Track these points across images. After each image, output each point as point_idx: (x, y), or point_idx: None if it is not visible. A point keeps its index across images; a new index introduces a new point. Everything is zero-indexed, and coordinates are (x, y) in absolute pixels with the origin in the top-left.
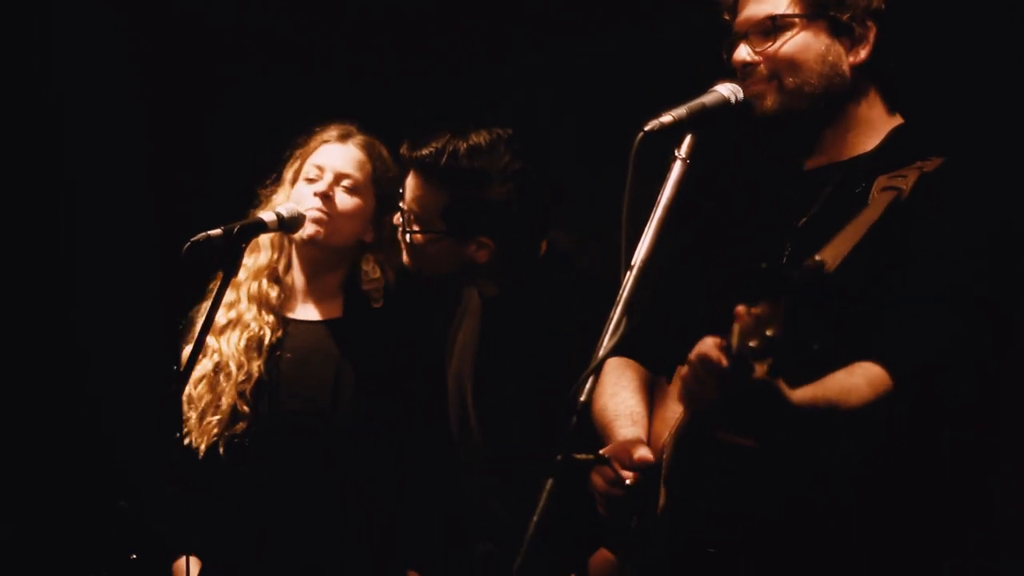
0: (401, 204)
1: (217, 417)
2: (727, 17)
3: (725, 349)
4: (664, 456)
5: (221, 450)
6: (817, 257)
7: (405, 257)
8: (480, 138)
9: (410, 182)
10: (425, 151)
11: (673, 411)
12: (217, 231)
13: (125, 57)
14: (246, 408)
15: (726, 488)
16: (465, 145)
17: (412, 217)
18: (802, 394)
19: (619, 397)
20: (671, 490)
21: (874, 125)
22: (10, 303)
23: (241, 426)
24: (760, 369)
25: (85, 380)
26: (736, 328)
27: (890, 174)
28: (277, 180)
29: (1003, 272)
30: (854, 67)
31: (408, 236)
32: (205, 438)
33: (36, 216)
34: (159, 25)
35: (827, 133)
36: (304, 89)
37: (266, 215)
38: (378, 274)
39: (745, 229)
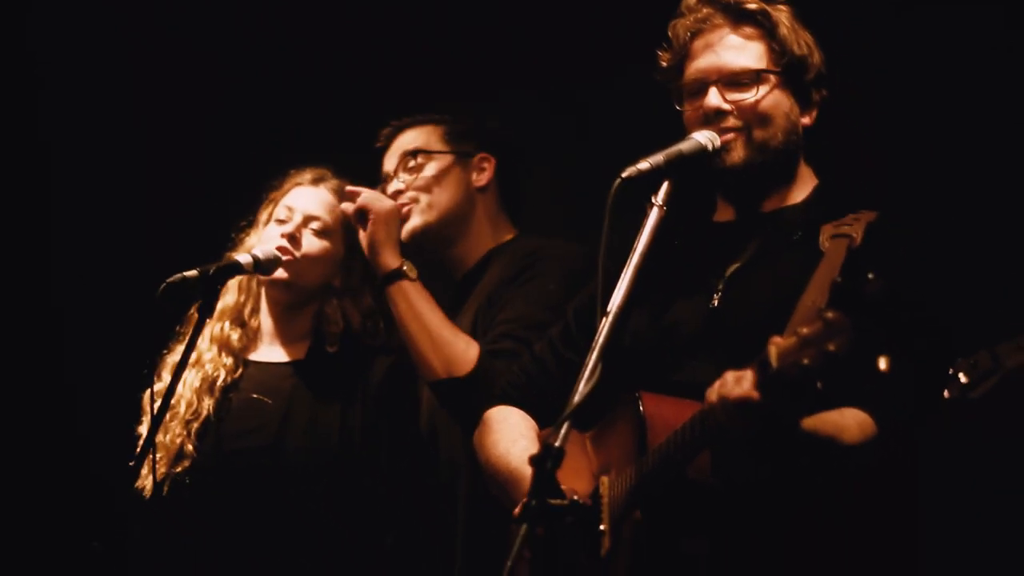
0: (394, 163)
1: (161, 455)
2: (667, 62)
3: (762, 376)
4: (608, 502)
5: (166, 489)
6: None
7: (409, 224)
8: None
9: (404, 137)
10: (411, 116)
11: (569, 461)
12: (193, 272)
13: (112, 91)
14: (190, 447)
15: (699, 527)
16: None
17: (416, 156)
18: (807, 423)
19: (519, 445)
20: (620, 534)
21: (804, 181)
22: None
23: (185, 464)
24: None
25: (67, 417)
26: (775, 350)
27: (834, 223)
28: (251, 223)
29: (951, 318)
30: (804, 128)
31: (414, 175)
32: (151, 477)
33: (17, 256)
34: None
35: (766, 185)
36: (295, 124)
37: (242, 257)
38: (339, 318)
39: (664, 280)
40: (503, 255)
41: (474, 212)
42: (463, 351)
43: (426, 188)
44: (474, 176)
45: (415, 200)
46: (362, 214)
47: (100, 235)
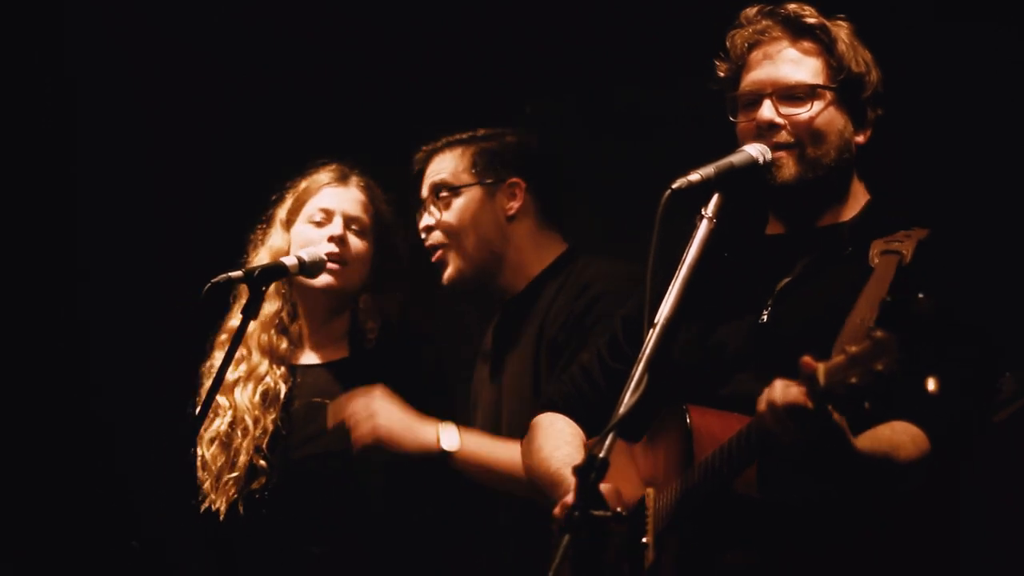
0: (426, 193)
1: (235, 475)
2: (723, 72)
3: (813, 389)
4: (652, 514)
5: (241, 508)
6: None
7: (446, 273)
8: (484, 125)
9: (434, 164)
10: (440, 138)
11: (616, 471)
12: (238, 273)
13: (143, 99)
14: (263, 463)
15: (743, 542)
16: (474, 128)
17: (443, 188)
18: (862, 442)
19: (563, 451)
20: (664, 546)
21: (856, 197)
22: (34, 353)
23: (260, 481)
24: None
25: (100, 420)
26: (823, 368)
27: (885, 239)
28: (268, 222)
29: (1001, 336)
30: (858, 146)
31: (442, 212)
32: (224, 498)
33: (51, 265)
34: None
35: (818, 202)
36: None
37: (288, 260)
38: (376, 315)
39: (714, 293)
40: (555, 281)
41: (510, 243)
42: None
43: (456, 228)
44: (506, 204)
45: (445, 243)
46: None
47: (130, 239)
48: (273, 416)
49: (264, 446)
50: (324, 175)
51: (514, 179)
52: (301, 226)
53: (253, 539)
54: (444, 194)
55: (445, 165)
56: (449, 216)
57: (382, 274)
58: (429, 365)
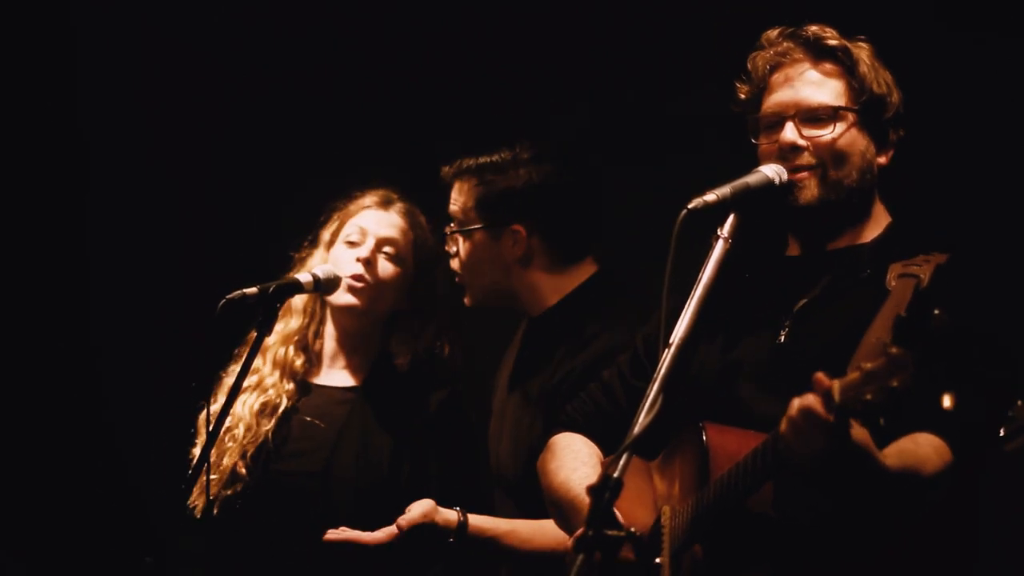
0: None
1: (215, 477)
2: (744, 94)
3: (828, 405)
4: (668, 532)
5: (216, 509)
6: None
7: (465, 298)
8: (506, 146)
9: (453, 190)
10: (462, 160)
11: (633, 489)
12: (252, 289)
13: (157, 104)
14: (244, 470)
15: (759, 560)
16: (493, 150)
17: (454, 223)
18: (890, 460)
19: (580, 472)
20: (680, 564)
21: (877, 220)
22: (47, 361)
23: (237, 487)
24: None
25: (114, 434)
26: (838, 385)
27: (903, 262)
28: (313, 243)
29: (1018, 359)
30: (880, 167)
31: (453, 247)
32: (202, 497)
33: (64, 272)
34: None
35: (838, 224)
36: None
37: (302, 276)
38: (408, 343)
39: (732, 313)
40: (588, 314)
41: (521, 282)
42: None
43: (463, 266)
44: (511, 247)
45: (460, 274)
46: None
47: (148, 250)
48: (268, 427)
49: (250, 454)
50: (368, 198)
51: (516, 226)
52: (338, 247)
53: (223, 544)
54: (455, 227)
55: (458, 196)
56: (460, 252)
57: (416, 300)
58: (434, 412)
